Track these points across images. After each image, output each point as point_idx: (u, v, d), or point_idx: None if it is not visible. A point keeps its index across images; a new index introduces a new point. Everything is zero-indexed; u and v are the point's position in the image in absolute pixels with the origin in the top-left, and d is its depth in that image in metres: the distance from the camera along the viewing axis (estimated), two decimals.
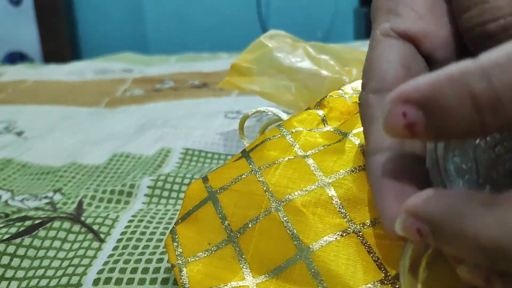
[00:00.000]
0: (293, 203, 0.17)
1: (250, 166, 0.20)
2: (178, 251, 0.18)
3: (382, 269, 0.16)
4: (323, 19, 1.61)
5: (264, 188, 0.18)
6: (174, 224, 0.20)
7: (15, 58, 1.37)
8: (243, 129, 0.28)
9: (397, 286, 0.15)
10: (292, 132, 0.21)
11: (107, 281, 0.21)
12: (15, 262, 0.23)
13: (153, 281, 0.21)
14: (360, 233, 0.16)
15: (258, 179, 0.19)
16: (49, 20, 1.35)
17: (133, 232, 0.25)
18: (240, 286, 0.16)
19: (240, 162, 0.21)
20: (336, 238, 0.16)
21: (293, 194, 0.18)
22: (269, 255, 0.17)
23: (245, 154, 0.21)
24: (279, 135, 0.21)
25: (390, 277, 0.15)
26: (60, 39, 1.38)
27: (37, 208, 0.29)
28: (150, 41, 1.52)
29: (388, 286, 0.15)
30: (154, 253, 0.23)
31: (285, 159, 0.19)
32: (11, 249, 0.24)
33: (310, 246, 0.16)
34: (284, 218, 0.17)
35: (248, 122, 0.42)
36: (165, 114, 0.51)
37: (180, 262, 0.18)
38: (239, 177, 0.20)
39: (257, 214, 0.18)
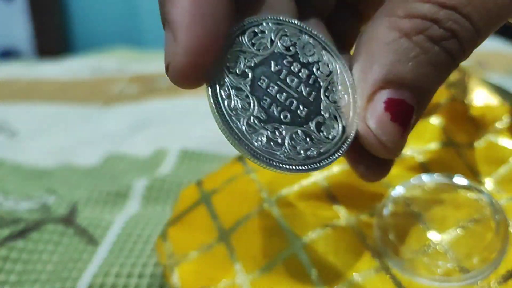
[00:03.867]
0: (286, 197, 0.17)
1: (244, 167, 0.20)
2: (169, 252, 0.18)
3: (376, 257, 0.15)
4: None
5: (258, 187, 0.18)
6: (165, 226, 0.20)
7: (7, 54, 1.36)
8: None
9: (392, 273, 0.15)
10: None
11: (102, 286, 0.20)
12: (8, 265, 0.23)
13: (150, 286, 0.20)
14: (354, 224, 0.16)
15: (252, 178, 0.19)
16: (41, 13, 1.34)
17: (129, 235, 0.25)
18: (231, 284, 0.16)
19: (234, 165, 0.21)
20: (329, 229, 0.16)
21: (286, 190, 0.18)
22: (262, 250, 0.17)
23: (240, 158, 0.21)
24: None
25: (384, 264, 0.15)
26: (53, 32, 1.37)
27: (30, 210, 0.28)
28: (145, 34, 1.50)
29: (381, 273, 0.15)
30: (150, 257, 0.22)
31: None
32: (4, 252, 0.23)
33: (303, 238, 0.16)
34: (277, 213, 0.17)
35: None
36: (162, 113, 0.50)
37: (172, 262, 0.18)
38: (232, 178, 0.20)
39: (250, 211, 0.18)
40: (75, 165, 0.38)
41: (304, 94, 0.12)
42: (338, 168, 0.18)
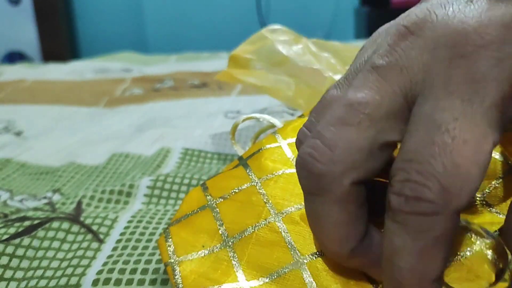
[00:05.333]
0: (292, 215, 0.18)
1: (250, 176, 0.20)
2: (170, 250, 0.18)
3: (374, 283, 0.16)
4: (324, 19, 1.61)
5: (265, 200, 0.19)
6: (168, 226, 0.20)
7: (14, 57, 1.37)
8: (234, 136, 0.27)
9: None
10: (289, 142, 0.21)
11: (106, 281, 0.21)
12: (14, 262, 0.23)
13: (153, 282, 0.21)
14: None
15: (259, 190, 0.19)
16: (48, 19, 1.35)
17: (133, 233, 0.25)
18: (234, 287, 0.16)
19: (238, 171, 0.21)
20: None
21: (292, 208, 0.18)
22: (265, 261, 0.17)
23: (243, 162, 0.21)
24: (276, 144, 0.21)
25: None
26: (59, 38, 1.38)
27: (36, 208, 0.29)
28: (149, 40, 1.52)
29: None
30: (153, 254, 0.23)
31: (286, 171, 0.20)
32: (10, 249, 0.23)
33: (307, 256, 0.17)
34: (283, 228, 0.18)
35: (249, 122, 0.42)
36: (164, 113, 0.51)
37: (173, 260, 0.18)
38: (239, 188, 0.20)
39: (256, 223, 0.18)
40: (81, 164, 0.38)
41: None
42: None
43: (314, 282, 0.16)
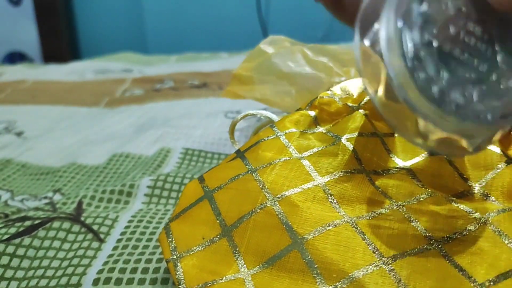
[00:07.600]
0: (289, 198, 0.18)
1: (247, 166, 0.20)
2: (172, 246, 0.19)
3: (376, 253, 0.16)
4: (323, 18, 1.60)
5: (260, 186, 0.19)
6: (168, 222, 0.20)
7: (15, 58, 1.37)
8: (233, 134, 0.28)
9: (391, 267, 0.15)
10: (286, 133, 0.21)
11: (107, 281, 0.21)
12: (15, 262, 0.23)
13: (153, 281, 0.21)
14: (355, 223, 0.17)
15: (255, 178, 0.19)
16: (48, 20, 1.35)
17: (133, 232, 0.25)
18: (235, 279, 0.17)
19: (235, 162, 0.21)
20: (330, 228, 0.17)
21: (289, 191, 0.18)
22: (263, 246, 0.17)
23: (240, 154, 0.22)
24: (273, 136, 0.22)
25: (384, 259, 0.16)
26: (60, 39, 1.38)
27: (36, 208, 0.29)
28: (149, 40, 1.52)
29: (381, 268, 0.15)
30: (154, 253, 0.23)
31: (281, 160, 0.20)
32: (10, 249, 0.24)
33: (305, 236, 0.17)
34: (279, 211, 0.18)
35: (248, 122, 0.42)
36: (165, 114, 0.51)
37: (175, 257, 0.18)
38: (236, 177, 0.20)
39: (252, 209, 0.18)
40: (81, 164, 0.38)
41: None
42: (339, 174, 0.19)
43: (313, 260, 0.16)
